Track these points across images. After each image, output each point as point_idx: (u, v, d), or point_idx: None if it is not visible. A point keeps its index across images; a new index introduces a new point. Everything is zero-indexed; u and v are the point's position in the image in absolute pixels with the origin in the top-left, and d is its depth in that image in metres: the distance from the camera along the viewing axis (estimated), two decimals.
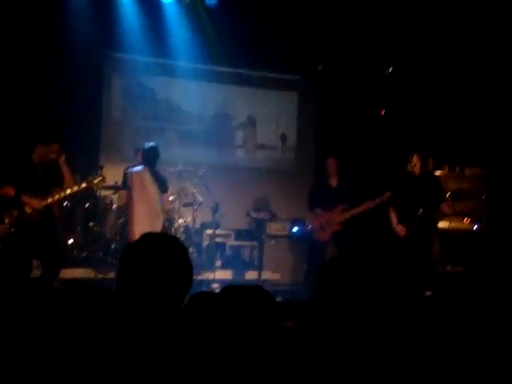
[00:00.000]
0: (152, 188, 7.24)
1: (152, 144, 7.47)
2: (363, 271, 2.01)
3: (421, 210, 7.03)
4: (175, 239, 2.17)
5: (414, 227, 7.04)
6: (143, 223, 7.06)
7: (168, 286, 2.00)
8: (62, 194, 6.29)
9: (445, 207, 7.14)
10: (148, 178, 7.29)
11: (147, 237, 2.11)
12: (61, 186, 6.32)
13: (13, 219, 6.01)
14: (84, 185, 6.46)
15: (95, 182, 6.48)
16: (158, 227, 7.18)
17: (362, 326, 1.96)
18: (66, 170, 6.36)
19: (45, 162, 6.23)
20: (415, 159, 7.10)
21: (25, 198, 6.05)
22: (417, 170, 7.13)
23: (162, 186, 7.39)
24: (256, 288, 2.56)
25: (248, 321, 2.44)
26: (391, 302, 2.06)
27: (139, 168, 7.37)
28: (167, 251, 2.05)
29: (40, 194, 6.14)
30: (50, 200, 6.16)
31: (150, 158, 7.37)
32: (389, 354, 2.12)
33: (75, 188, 6.36)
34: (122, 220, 7.79)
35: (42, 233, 6.17)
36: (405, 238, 7.11)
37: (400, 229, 7.17)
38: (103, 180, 6.61)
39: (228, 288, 2.50)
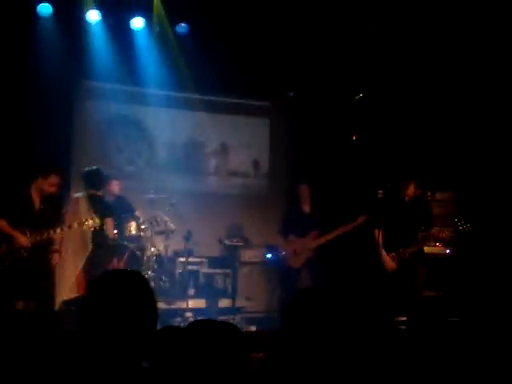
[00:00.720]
0: (85, 215, 6.92)
1: (93, 168, 7.38)
2: (328, 306, 1.98)
3: (420, 235, 7.02)
4: (137, 274, 2.11)
5: (407, 254, 6.95)
6: (66, 251, 6.92)
7: (131, 324, 1.93)
8: (52, 233, 6.18)
9: (441, 232, 7.10)
10: (83, 204, 7.15)
11: (108, 274, 2.06)
12: (60, 222, 6.23)
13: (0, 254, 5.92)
14: (76, 226, 6.36)
15: (87, 224, 6.37)
16: (80, 257, 7.06)
17: (329, 359, 1.92)
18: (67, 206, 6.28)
19: (46, 195, 6.10)
20: (412, 187, 7.07)
21: (14, 234, 5.94)
22: (409, 196, 7.10)
23: (101, 212, 7.10)
24: (225, 324, 2.51)
25: (216, 355, 2.39)
26: (359, 334, 2.03)
27: (79, 194, 7.28)
28: (129, 288, 1.98)
29: (35, 229, 6.02)
30: (38, 238, 6.03)
31: (90, 182, 7.28)
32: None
33: (65, 229, 6.26)
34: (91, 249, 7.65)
35: (27, 269, 6.03)
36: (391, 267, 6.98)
37: (390, 264, 6.99)
38: (95, 223, 6.49)
39: (196, 323, 2.45)
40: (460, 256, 8.04)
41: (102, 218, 7.02)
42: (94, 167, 7.43)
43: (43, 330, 5.78)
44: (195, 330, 2.35)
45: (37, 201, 6.17)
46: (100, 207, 7.20)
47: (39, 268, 6.23)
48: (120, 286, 1.98)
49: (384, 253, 6.94)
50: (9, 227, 6.02)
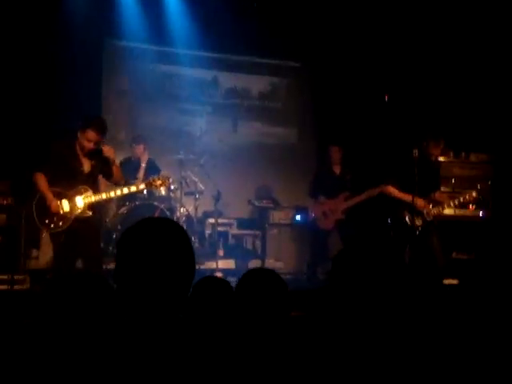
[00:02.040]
0: None
1: None
2: (376, 261, 1.93)
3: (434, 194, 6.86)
4: (174, 223, 2.03)
5: (431, 215, 6.77)
6: None
7: (170, 272, 1.85)
8: (116, 194, 6.02)
9: (438, 195, 6.95)
10: None
11: (145, 221, 1.96)
12: (110, 179, 6.09)
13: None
14: (142, 186, 6.23)
15: (156, 183, 6.20)
16: None
17: (375, 313, 1.88)
18: (115, 164, 6.02)
19: (85, 152, 5.82)
20: (441, 147, 6.85)
21: (46, 194, 5.71)
22: (436, 155, 6.88)
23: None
24: (271, 272, 2.50)
25: (259, 309, 2.38)
26: (402, 293, 1.98)
27: None
28: (167, 235, 1.89)
29: (89, 187, 5.85)
30: (101, 197, 5.88)
31: None
32: (399, 345, 2.05)
33: (133, 189, 6.10)
34: (122, 210, 7.70)
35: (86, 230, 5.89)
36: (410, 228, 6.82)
37: (421, 203, 6.69)
38: (164, 183, 6.31)
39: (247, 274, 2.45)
40: (494, 218, 7.89)
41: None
42: None
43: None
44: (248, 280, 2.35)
45: (85, 161, 5.92)
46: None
47: (96, 228, 6.18)
48: (157, 231, 1.90)
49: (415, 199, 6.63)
50: (45, 185, 5.75)
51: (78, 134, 5.82)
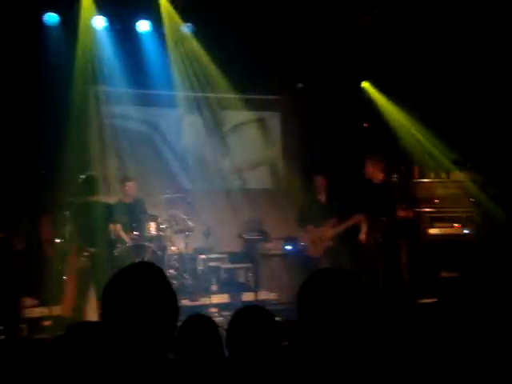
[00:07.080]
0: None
1: (88, 173, 7.53)
2: (341, 287, 1.97)
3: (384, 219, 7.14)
4: (152, 267, 2.07)
5: (379, 236, 7.11)
6: None
7: (154, 316, 1.93)
8: None
9: (400, 212, 7.21)
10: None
11: (123, 271, 2.03)
12: None
13: None
14: None
15: None
16: None
17: (347, 342, 1.92)
18: None
19: None
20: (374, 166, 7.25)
21: None
22: (377, 177, 7.25)
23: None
24: (257, 308, 2.61)
25: (250, 345, 2.49)
26: (373, 314, 2.03)
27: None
28: (145, 281, 1.98)
29: None
30: None
31: (86, 188, 7.40)
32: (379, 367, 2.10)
33: None
34: (115, 252, 7.76)
35: None
36: (371, 248, 7.16)
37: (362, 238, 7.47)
38: None
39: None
40: (479, 236, 8.01)
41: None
42: (89, 173, 7.61)
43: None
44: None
45: None
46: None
47: None
48: (134, 278, 1.99)
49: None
50: None
51: None
